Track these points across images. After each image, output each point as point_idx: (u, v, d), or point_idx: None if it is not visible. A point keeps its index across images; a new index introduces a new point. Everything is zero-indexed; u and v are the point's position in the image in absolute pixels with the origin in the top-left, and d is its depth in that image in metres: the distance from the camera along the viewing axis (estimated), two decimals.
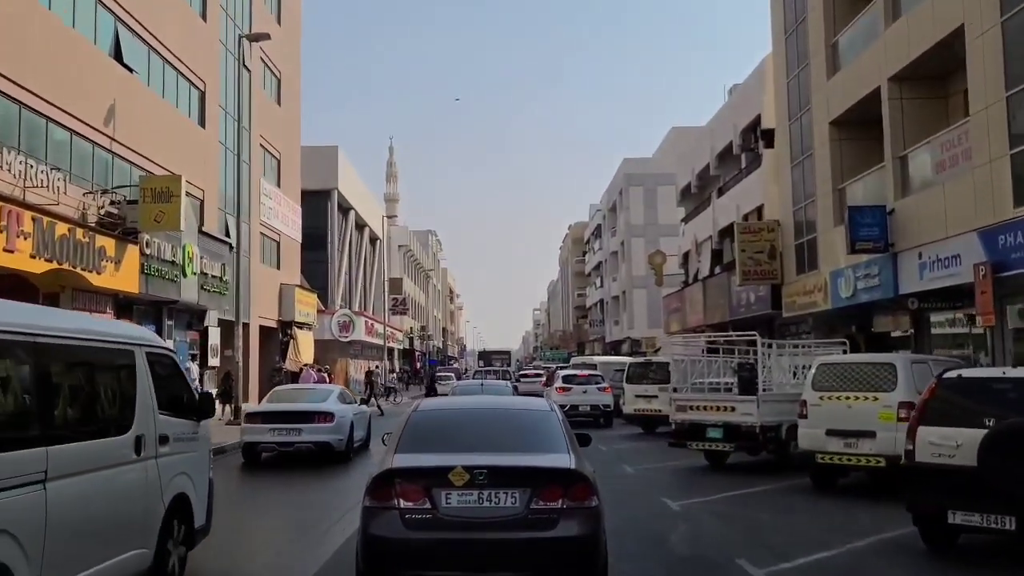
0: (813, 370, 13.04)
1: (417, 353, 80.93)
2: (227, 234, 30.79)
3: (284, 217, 38.53)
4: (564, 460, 6.33)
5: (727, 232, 34.87)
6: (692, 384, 17.22)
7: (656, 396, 21.89)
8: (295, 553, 9.02)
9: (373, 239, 63.04)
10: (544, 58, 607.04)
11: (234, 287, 28.66)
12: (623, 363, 29.40)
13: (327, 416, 16.29)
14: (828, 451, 12.38)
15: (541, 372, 43.87)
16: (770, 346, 16.77)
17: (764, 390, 14.93)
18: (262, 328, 35.28)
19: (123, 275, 20.15)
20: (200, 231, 27.48)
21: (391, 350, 67.02)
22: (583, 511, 5.99)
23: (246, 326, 31.01)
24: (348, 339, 47.70)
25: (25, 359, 5.23)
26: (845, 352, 17.12)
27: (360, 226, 59.28)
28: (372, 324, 53.37)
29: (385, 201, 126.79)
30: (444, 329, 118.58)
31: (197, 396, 7.82)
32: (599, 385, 25.28)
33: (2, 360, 5.06)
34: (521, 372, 51.37)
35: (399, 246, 74.25)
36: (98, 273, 18.77)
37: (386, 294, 66.07)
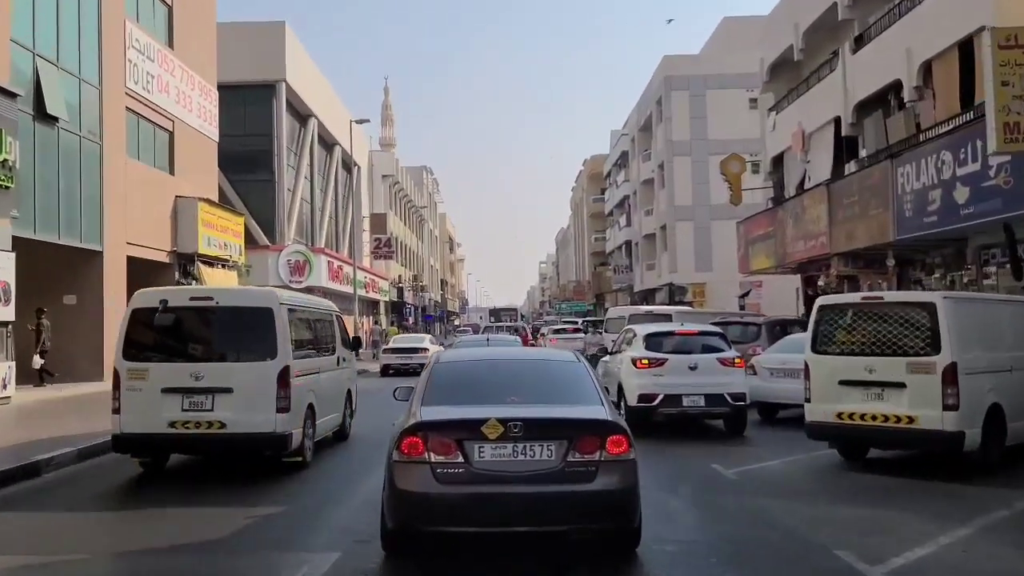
0: None
1: (408, 307, 68.16)
2: (38, 94, 17.82)
3: (183, 97, 25.43)
4: (599, 411, 6.07)
5: (872, 104, 21.91)
6: None
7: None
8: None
9: (348, 164, 49.95)
10: None
11: (53, 184, 16.18)
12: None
13: (426, 350, 26.44)
14: None
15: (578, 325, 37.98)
16: None
17: None
18: (137, 263, 22.43)
19: None
20: None
21: (374, 302, 54.30)
22: (621, 463, 5.70)
23: (93, 255, 18.56)
24: (302, 285, 34.83)
25: (301, 318, 10.84)
26: None
27: (328, 144, 46.17)
28: (339, 267, 40.47)
29: (380, 147, 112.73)
30: (443, 281, 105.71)
31: (351, 339, 14.05)
32: (721, 355, 12.47)
33: (295, 318, 10.27)
34: (556, 328, 39.62)
35: (383, 176, 61.02)
36: None
37: (365, 232, 53.09)
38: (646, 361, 12.32)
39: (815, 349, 10.04)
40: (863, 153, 22.65)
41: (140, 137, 23.08)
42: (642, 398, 12.15)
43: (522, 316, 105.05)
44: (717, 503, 8.21)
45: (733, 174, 30.18)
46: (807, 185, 25.96)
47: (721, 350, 12.64)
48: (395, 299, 61.65)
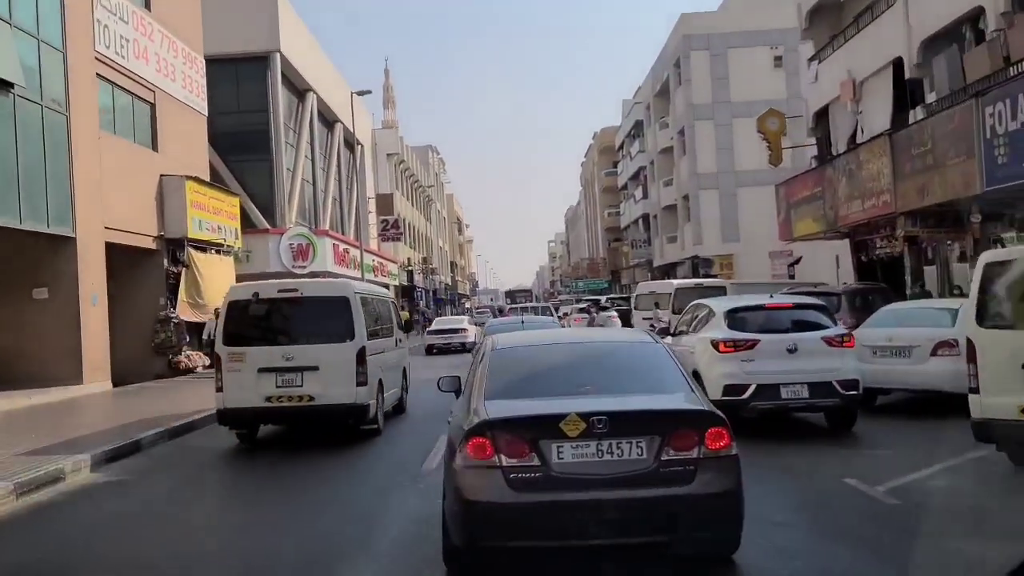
0: None
1: (419, 290, 65.69)
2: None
3: (165, 65, 22.89)
4: (692, 400, 5.32)
5: (942, 40, 19.30)
6: None
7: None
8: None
9: (351, 143, 47.34)
10: None
11: (9, 159, 13.95)
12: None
13: (465, 331, 33.30)
14: None
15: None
16: None
17: None
18: (118, 250, 20.01)
19: None
20: None
21: (384, 286, 51.81)
22: (723, 461, 4.91)
23: (64, 242, 16.38)
24: (305, 270, 32.45)
25: (369, 304, 12.12)
26: None
27: (329, 122, 43.58)
28: (345, 250, 37.99)
29: (383, 128, 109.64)
30: (453, 263, 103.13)
31: (404, 322, 16.43)
32: (826, 333, 9.89)
33: (365, 305, 11.63)
34: (581, 308, 36.90)
35: (388, 155, 58.39)
36: None
37: (371, 213, 50.59)
38: (732, 344, 9.78)
39: (984, 322, 7.53)
40: (931, 97, 20.02)
41: (116, 109, 20.58)
42: (729, 390, 9.63)
43: (536, 297, 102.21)
44: (898, 550, 5.61)
45: (772, 132, 27.54)
46: (860, 138, 23.34)
47: (824, 327, 10.01)
48: (405, 283, 59.20)
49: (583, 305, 37.63)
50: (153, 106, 22.21)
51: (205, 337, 21.94)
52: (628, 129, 67.20)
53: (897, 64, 21.06)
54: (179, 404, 15.15)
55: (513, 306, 38.74)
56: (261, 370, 10.79)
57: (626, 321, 30.18)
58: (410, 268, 60.71)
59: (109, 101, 20.21)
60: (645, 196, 60.79)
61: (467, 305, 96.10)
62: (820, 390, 9.58)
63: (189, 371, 22.08)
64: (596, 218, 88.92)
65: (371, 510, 7.39)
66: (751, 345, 9.76)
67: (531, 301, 75.43)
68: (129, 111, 21.25)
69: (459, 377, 6.50)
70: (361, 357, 10.90)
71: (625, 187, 70.78)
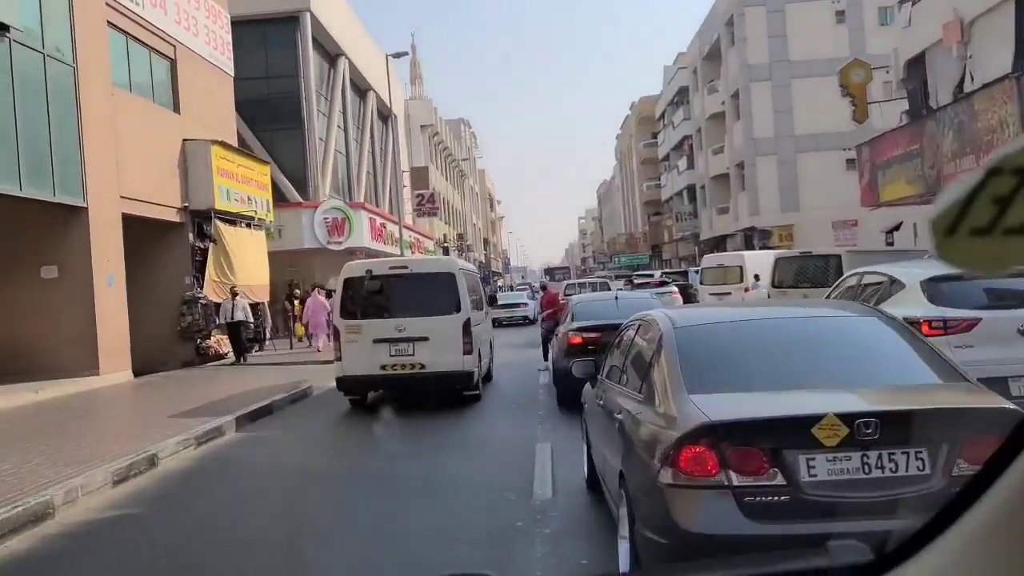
0: None
1: None
2: None
3: (186, 17, 20.56)
4: (982, 394, 3.99)
5: None
6: None
7: None
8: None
9: (384, 113, 44.93)
10: None
11: (6, 115, 11.88)
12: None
13: (526, 305, 35.74)
14: None
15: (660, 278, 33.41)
16: None
17: None
18: (137, 223, 17.82)
19: None
20: None
21: None
22: None
23: (75, 212, 14.25)
24: (342, 246, 30.22)
25: (469, 280, 12.85)
26: None
27: (361, 91, 41.20)
28: (382, 224, 35.66)
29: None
30: (486, 240, 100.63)
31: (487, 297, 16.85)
32: None
33: (469, 280, 12.80)
34: (638, 284, 32.33)
35: (423, 126, 55.92)
36: None
37: (405, 188, 48.21)
38: (941, 324, 7.25)
39: None
40: None
41: (132, 64, 18.30)
42: None
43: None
44: None
45: (856, 84, 24.68)
46: (969, 87, 20.52)
47: None
48: None
49: (639, 281, 34.58)
50: (174, 62, 19.90)
51: (221, 320, 19.75)
52: (670, 97, 64.13)
53: None
54: (205, 398, 12.97)
55: (571, 282, 35.70)
56: (376, 341, 11.68)
57: (687, 298, 27.50)
58: (446, 244, 58.39)
59: (123, 55, 17.94)
60: (690, 166, 57.91)
61: (499, 283, 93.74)
62: None
63: (219, 357, 19.96)
64: (633, 192, 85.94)
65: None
66: (969, 326, 7.21)
67: (569, 278, 72.77)
68: (146, 67, 18.96)
69: (594, 361, 5.87)
70: (467, 328, 11.78)
71: (667, 158, 67.81)
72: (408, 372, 11.64)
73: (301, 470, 8.56)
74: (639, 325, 5.58)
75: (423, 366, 11.59)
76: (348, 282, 12.09)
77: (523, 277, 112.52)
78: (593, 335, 11.04)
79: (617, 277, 45.32)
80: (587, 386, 6.72)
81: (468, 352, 11.70)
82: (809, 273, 16.43)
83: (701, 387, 4.12)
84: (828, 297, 9.58)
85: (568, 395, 11.25)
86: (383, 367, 11.64)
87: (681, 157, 61.40)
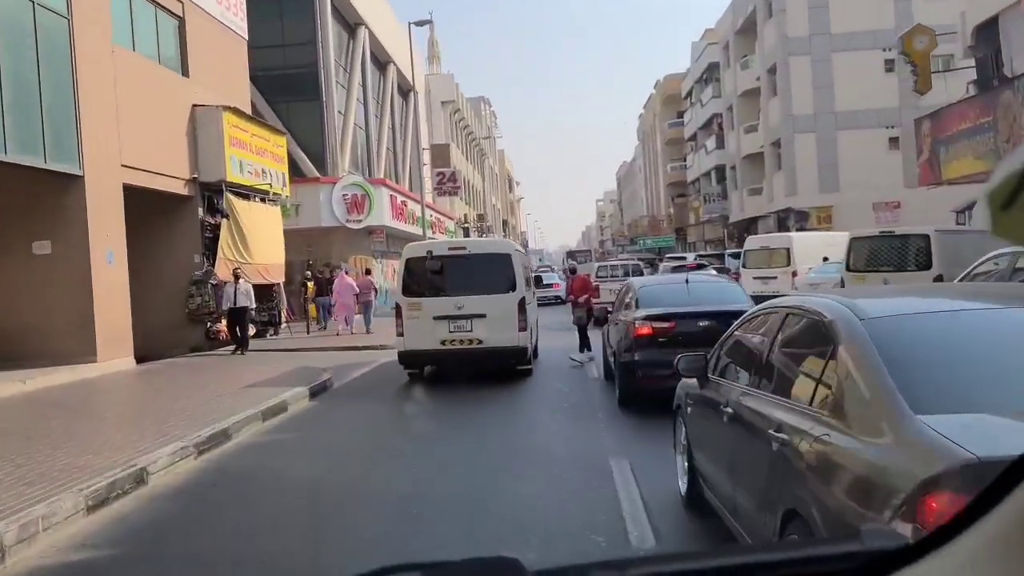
0: None
1: None
2: None
3: None
4: None
5: None
6: None
7: None
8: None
9: (404, 88, 43.20)
10: None
11: None
12: None
13: (558, 285, 31.78)
14: None
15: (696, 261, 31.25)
16: None
17: None
18: (141, 195, 16.25)
19: None
20: None
21: None
22: None
23: (70, 181, 12.58)
24: (361, 224, 28.64)
25: (521, 261, 13.38)
26: None
27: (381, 64, 39.47)
28: (403, 202, 34.01)
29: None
30: (505, 222, 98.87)
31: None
32: None
33: (522, 261, 13.67)
34: (674, 267, 29.92)
35: (443, 103, 54.15)
36: None
37: (426, 166, 46.54)
38: None
39: None
40: None
41: (135, 20, 16.68)
42: None
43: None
44: None
45: (919, 52, 22.74)
46: None
47: None
48: None
49: (675, 264, 32.58)
50: (182, 21, 18.28)
51: (225, 306, 17.97)
52: (698, 74, 61.97)
53: None
54: (213, 390, 11.41)
55: (603, 264, 33.75)
56: (436, 317, 12.28)
57: None
58: (466, 225, 56.73)
59: (126, 11, 16.32)
60: (720, 146, 55.87)
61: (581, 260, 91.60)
62: None
63: (230, 342, 18.41)
64: (657, 173, 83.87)
65: None
66: None
67: (591, 260, 71.12)
68: (151, 25, 17.34)
69: (704, 355, 5.30)
70: (522, 306, 12.42)
71: (693, 137, 65.72)
72: (466, 347, 12.27)
73: (319, 486, 7.11)
74: (786, 315, 4.31)
75: (480, 341, 12.23)
76: (409, 263, 12.72)
77: (540, 259, 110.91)
78: (665, 325, 9.42)
79: (639, 260, 43.51)
80: (681, 385, 5.85)
81: (523, 328, 12.32)
82: (886, 255, 14.67)
83: (932, 405, 2.94)
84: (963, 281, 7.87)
85: (631, 393, 9.68)
86: (443, 342, 12.26)
87: (709, 136, 59.34)
